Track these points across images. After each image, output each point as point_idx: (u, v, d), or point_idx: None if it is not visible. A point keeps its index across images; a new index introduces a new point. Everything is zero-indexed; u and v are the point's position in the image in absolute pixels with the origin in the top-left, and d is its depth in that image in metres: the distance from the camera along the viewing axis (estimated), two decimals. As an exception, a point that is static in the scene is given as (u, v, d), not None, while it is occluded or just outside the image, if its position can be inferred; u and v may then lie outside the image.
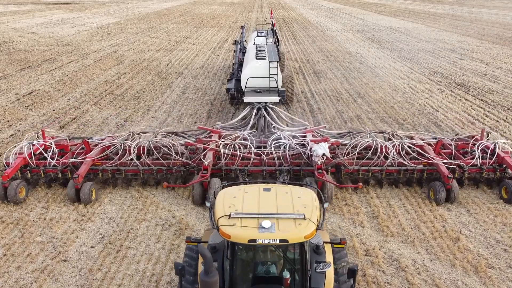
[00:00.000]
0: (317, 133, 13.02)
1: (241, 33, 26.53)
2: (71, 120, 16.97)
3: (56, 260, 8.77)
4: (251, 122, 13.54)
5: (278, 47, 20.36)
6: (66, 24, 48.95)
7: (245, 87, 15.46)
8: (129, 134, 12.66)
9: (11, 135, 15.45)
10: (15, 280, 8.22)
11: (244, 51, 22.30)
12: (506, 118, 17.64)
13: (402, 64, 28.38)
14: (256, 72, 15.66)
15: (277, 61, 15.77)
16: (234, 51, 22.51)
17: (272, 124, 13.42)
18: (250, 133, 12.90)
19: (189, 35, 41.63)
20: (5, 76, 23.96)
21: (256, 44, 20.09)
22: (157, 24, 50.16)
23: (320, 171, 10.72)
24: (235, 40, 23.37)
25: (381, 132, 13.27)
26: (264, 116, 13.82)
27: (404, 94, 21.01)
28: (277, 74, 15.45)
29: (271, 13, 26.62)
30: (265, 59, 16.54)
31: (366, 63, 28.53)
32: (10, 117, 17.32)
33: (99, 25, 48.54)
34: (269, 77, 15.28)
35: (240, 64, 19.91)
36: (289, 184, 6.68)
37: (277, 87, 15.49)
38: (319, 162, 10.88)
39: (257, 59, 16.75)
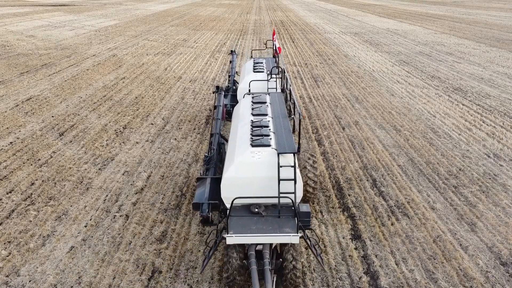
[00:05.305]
0: None
1: (230, 61, 19.36)
2: (70, 127, 17.03)
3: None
4: None
5: (294, 104, 11.87)
6: (65, 26, 48.95)
7: (231, 207, 7.54)
8: None
9: (11, 142, 15.49)
10: None
11: (235, 87, 15.79)
12: (503, 124, 17.77)
13: (399, 68, 28.52)
14: (251, 173, 7.85)
15: (294, 153, 7.96)
16: (215, 107, 13.49)
17: None
18: None
19: (187, 38, 41.71)
20: (4, 81, 24.00)
21: (252, 96, 11.56)
22: (155, 27, 50.21)
23: None
24: (217, 87, 15.28)
25: None
26: None
27: (401, 99, 21.13)
28: (295, 179, 7.67)
29: (273, 34, 18.37)
30: (269, 145, 8.35)
31: (364, 67, 28.65)
32: (9, 124, 17.36)
33: (98, 27, 48.56)
34: (278, 193, 7.64)
35: (229, 113, 12.92)
36: None
37: (294, 204, 7.56)
38: None
39: (253, 145, 8.41)
